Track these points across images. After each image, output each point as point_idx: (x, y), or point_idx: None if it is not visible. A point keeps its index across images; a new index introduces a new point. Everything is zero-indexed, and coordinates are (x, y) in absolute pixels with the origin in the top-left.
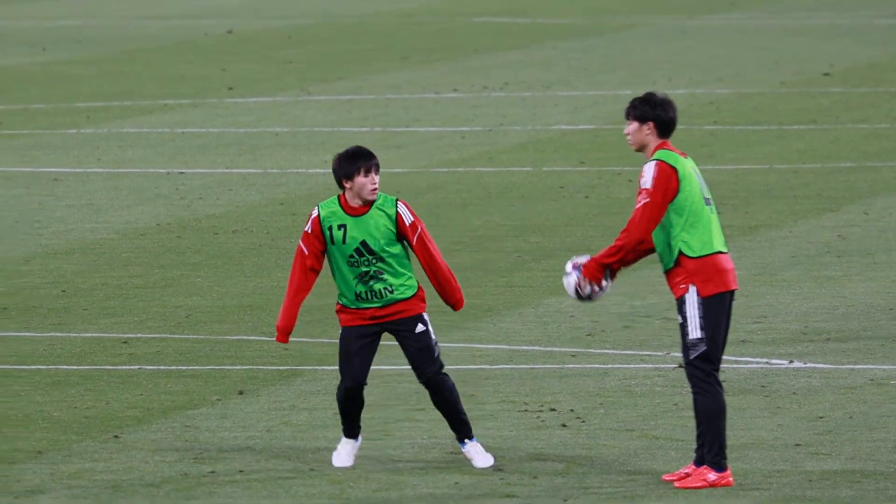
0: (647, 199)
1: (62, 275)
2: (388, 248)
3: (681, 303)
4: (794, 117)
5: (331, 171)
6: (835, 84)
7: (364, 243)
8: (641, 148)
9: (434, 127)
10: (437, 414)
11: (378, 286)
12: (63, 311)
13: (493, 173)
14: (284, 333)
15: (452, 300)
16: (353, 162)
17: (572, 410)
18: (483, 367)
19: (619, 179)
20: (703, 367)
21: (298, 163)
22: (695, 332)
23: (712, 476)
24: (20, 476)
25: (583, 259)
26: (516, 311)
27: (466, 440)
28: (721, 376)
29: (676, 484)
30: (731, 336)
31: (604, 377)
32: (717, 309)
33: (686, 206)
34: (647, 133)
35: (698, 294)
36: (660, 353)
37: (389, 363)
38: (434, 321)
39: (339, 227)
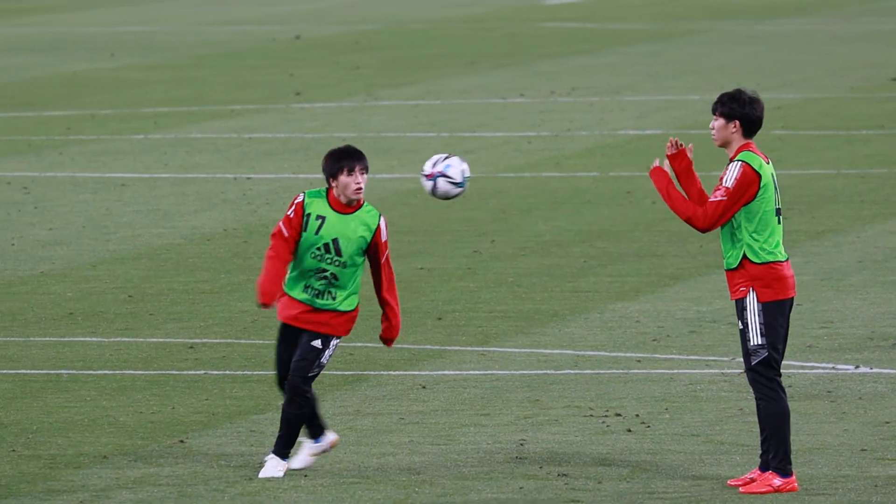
0: (724, 198)
1: (129, 280)
2: (355, 257)
3: (741, 308)
4: (862, 122)
5: (398, 175)
6: None
7: (336, 241)
8: (725, 144)
9: (501, 132)
10: (503, 419)
11: (325, 288)
12: (130, 316)
13: (560, 178)
14: (272, 296)
15: (391, 333)
16: (338, 161)
17: (637, 415)
18: (548, 372)
19: None
20: (765, 372)
21: None
22: (755, 338)
23: (777, 482)
24: (86, 480)
25: (443, 165)
26: (582, 317)
27: (310, 439)
28: (787, 382)
29: (742, 489)
30: (796, 341)
31: (669, 382)
32: (777, 315)
33: (759, 213)
34: (733, 131)
35: (758, 299)
36: (725, 359)
37: (454, 368)
38: (499, 326)
39: (318, 217)
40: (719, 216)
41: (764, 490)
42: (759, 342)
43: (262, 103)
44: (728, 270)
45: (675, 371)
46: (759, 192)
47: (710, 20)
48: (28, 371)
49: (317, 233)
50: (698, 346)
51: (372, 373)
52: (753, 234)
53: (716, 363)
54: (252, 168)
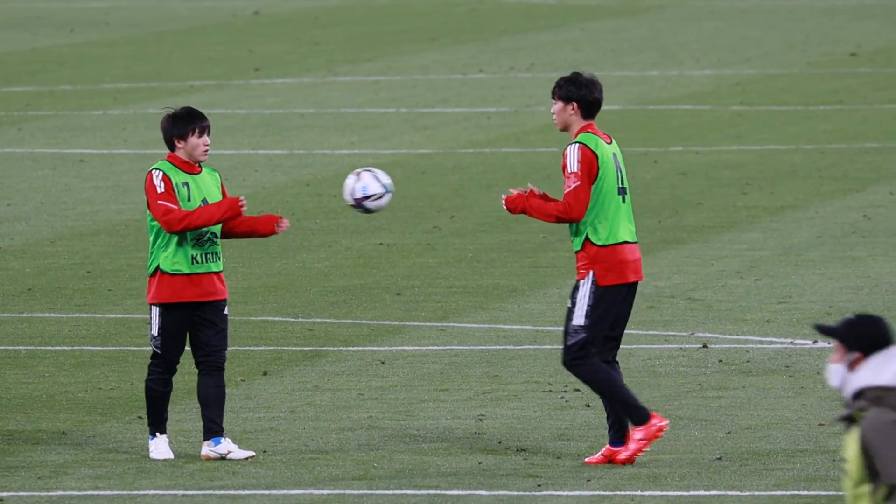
0: (578, 183)
1: (88, 256)
2: None
3: (575, 287)
4: (821, 98)
5: (357, 151)
6: (862, 65)
7: (205, 201)
8: (566, 128)
9: (461, 108)
10: (461, 394)
11: (212, 249)
12: (88, 292)
13: (520, 154)
14: (235, 199)
15: (271, 224)
16: (189, 122)
17: None
18: (507, 347)
19: (645, 160)
20: (577, 353)
21: (324, 144)
22: (579, 319)
23: (639, 434)
24: (44, 456)
25: (360, 190)
26: (541, 292)
27: (221, 437)
28: (745, 356)
29: (616, 459)
30: (755, 315)
31: (628, 357)
32: (611, 300)
33: (598, 194)
34: (572, 113)
35: (595, 282)
36: (684, 334)
37: (413, 344)
38: (458, 302)
39: (184, 184)
40: (582, 201)
41: (637, 447)
42: (582, 323)
43: (222, 79)
44: (576, 252)
45: (634, 346)
46: (598, 173)
47: None
48: None
49: (188, 199)
50: (657, 321)
51: (331, 348)
52: (595, 216)
53: (674, 338)
54: (211, 144)
